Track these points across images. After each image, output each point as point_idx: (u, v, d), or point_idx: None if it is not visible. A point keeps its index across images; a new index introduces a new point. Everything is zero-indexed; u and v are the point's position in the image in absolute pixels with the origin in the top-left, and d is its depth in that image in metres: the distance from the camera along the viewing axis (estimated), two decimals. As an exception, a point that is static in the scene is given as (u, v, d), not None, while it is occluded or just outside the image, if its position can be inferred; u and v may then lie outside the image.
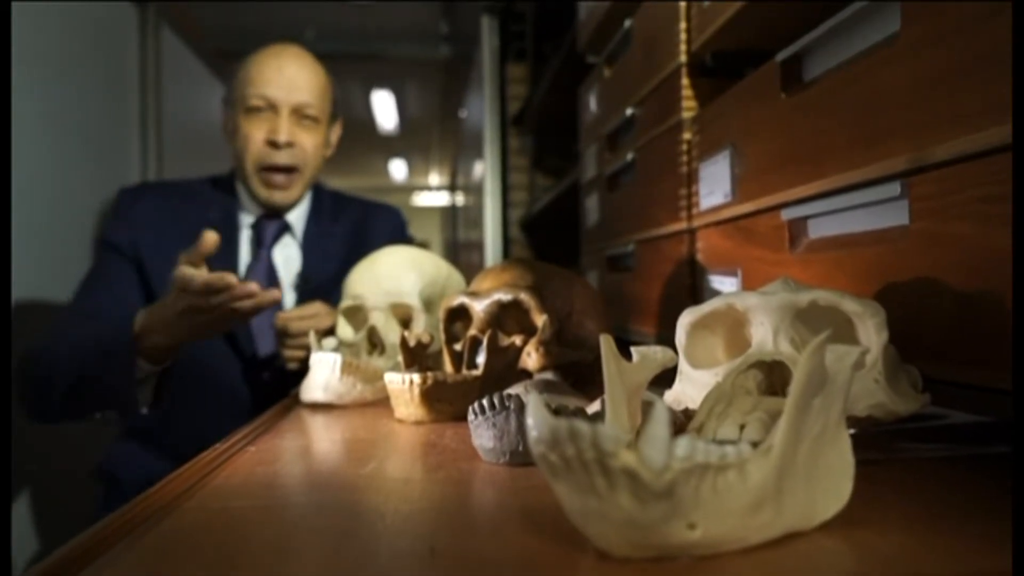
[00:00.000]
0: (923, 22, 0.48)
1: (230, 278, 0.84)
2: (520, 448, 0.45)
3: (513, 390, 0.57)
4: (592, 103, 1.32)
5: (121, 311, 1.05)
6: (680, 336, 0.44)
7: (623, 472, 0.26)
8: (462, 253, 4.34)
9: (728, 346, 0.45)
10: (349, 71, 5.51)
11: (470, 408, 0.47)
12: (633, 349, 0.41)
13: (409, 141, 8.03)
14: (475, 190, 3.13)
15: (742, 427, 0.35)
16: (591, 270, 1.35)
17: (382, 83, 5.97)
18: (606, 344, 0.37)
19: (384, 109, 6.71)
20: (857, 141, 0.55)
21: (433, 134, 7.73)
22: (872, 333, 0.40)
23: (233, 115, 1.15)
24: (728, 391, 0.39)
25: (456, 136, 5.33)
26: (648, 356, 0.40)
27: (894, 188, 0.50)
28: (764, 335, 0.41)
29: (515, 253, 2.55)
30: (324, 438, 0.59)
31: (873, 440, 0.46)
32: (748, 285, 0.72)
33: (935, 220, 0.47)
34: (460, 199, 4.75)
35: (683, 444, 0.27)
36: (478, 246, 3.01)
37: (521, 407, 0.45)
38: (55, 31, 1.55)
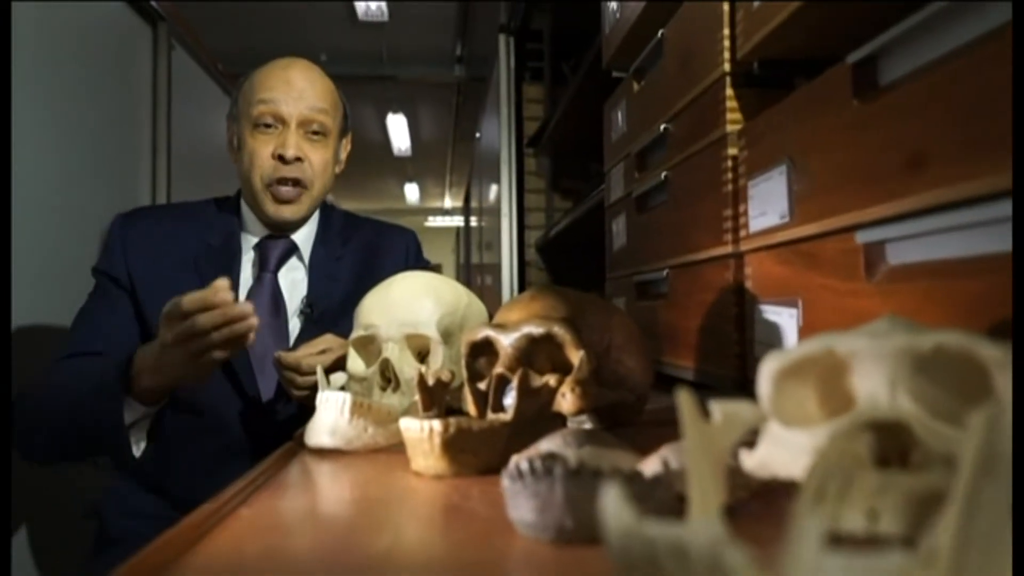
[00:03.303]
0: (1046, 9, 0.40)
1: (223, 292, 0.78)
2: (568, 524, 0.37)
3: (550, 443, 0.48)
4: (619, 120, 1.25)
5: (117, 344, 1.00)
6: (765, 387, 0.36)
7: (753, 609, 0.18)
8: (475, 276, 4.27)
9: (822, 399, 0.37)
10: (363, 94, 5.51)
11: (504, 473, 0.39)
12: (713, 405, 0.32)
13: (423, 163, 8.02)
14: (490, 212, 3.07)
15: (870, 513, 0.27)
16: (617, 296, 1.27)
17: (396, 106, 5.97)
18: (687, 404, 0.29)
19: (398, 131, 6.70)
20: (954, 152, 0.47)
21: (447, 156, 7.71)
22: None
23: (239, 130, 1.09)
24: (839, 462, 0.30)
25: (470, 158, 5.29)
26: (734, 415, 0.32)
27: (1007, 207, 0.42)
28: (876, 388, 0.33)
29: (532, 277, 2.48)
30: (330, 496, 0.51)
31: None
32: (811, 317, 0.64)
33: (1065, 245, 0.39)
34: (473, 221, 4.70)
35: (837, 565, 0.19)
36: (492, 269, 2.93)
37: (568, 472, 0.37)
38: (67, 50, 1.52)
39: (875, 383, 0.33)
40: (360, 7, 4.31)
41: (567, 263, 2.45)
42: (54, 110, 1.46)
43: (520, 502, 0.38)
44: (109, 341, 1.01)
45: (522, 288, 2.44)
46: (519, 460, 0.40)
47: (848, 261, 0.58)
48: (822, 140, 0.61)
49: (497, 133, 2.51)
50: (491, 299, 2.74)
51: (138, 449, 0.92)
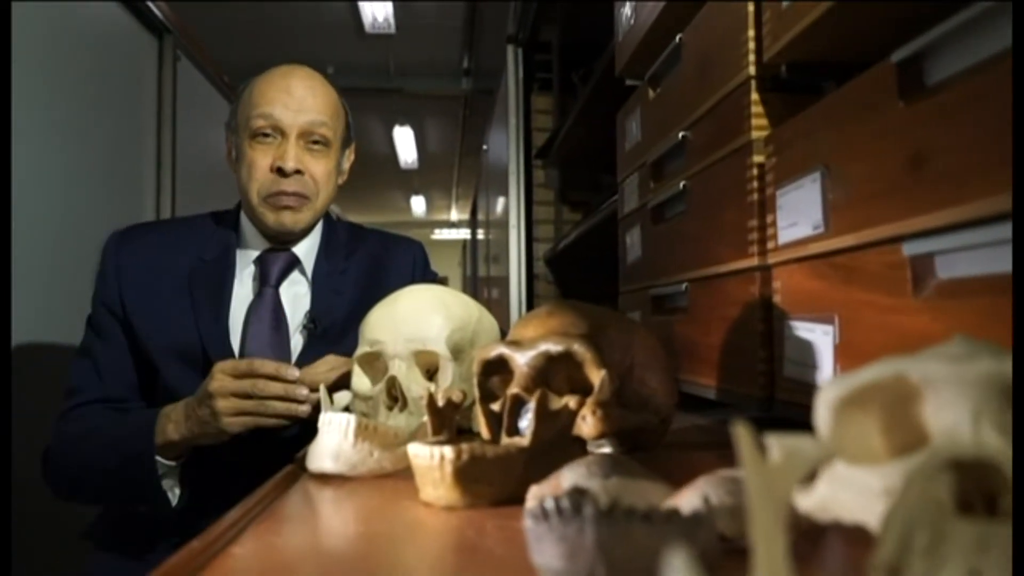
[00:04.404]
0: None
1: (294, 372, 0.86)
2: (600, 572, 0.32)
3: (574, 473, 0.44)
4: (633, 129, 1.21)
5: (120, 383, 1.02)
6: (825, 418, 0.32)
7: None
8: (482, 289, 4.23)
9: (887, 433, 0.32)
10: (370, 106, 5.51)
11: (526, 512, 0.34)
12: (772, 441, 0.28)
13: (430, 176, 8.02)
14: (498, 225, 3.04)
15: (971, 573, 0.23)
16: (632, 311, 1.23)
17: (403, 118, 5.97)
18: (746, 442, 0.25)
19: (405, 144, 6.70)
20: (1010, 156, 0.43)
21: (454, 168, 7.71)
22: None
23: (238, 140, 1.05)
24: (920, 508, 0.26)
25: (477, 171, 5.27)
26: (795, 452, 0.27)
27: (1086, 214, 0.38)
28: (957, 420, 0.29)
29: (540, 290, 2.44)
30: (331, 531, 0.47)
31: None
32: (849, 334, 0.59)
33: None
34: (480, 234, 4.67)
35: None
36: (500, 282, 2.90)
37: (599, 513, 0.33)
38: (73, 61, 1.50)
39: (956, 415, 0.29)
40: (367, 19, 4.31)
41: (576, 276, 2.41)
42: (59, 121, 1.44)
43: (545, 547, 0.33)
44: (113, 381, 1.02)
45: (530, 301, 2.40)
46: (543, 497, 0.36)
47: (892, 275, 0.53)
48: (863, 145, 0.57)
49: (505, 145, 2.48)
50: (499, 313, 2.70)
51: (174, 496, 0.95)
